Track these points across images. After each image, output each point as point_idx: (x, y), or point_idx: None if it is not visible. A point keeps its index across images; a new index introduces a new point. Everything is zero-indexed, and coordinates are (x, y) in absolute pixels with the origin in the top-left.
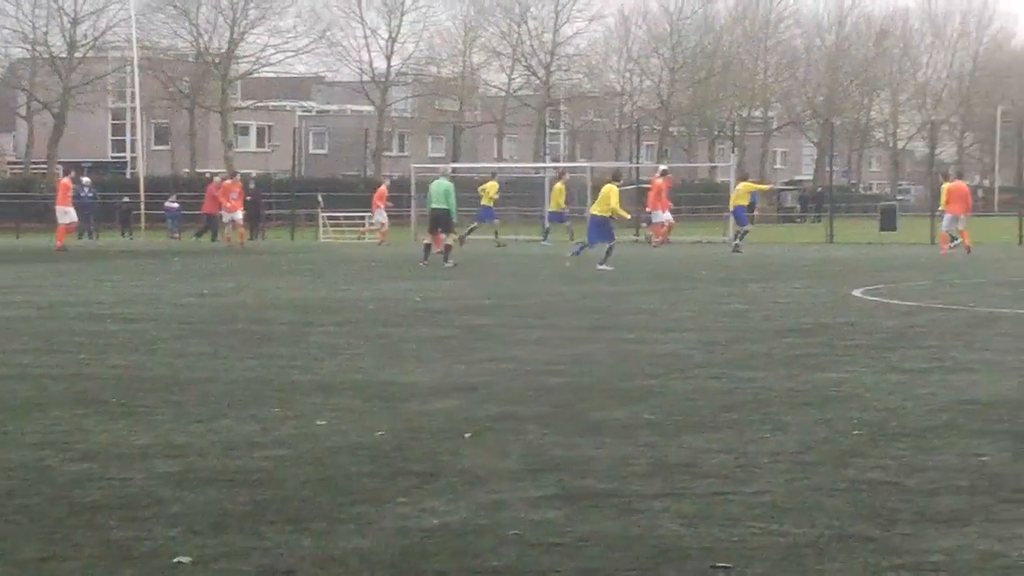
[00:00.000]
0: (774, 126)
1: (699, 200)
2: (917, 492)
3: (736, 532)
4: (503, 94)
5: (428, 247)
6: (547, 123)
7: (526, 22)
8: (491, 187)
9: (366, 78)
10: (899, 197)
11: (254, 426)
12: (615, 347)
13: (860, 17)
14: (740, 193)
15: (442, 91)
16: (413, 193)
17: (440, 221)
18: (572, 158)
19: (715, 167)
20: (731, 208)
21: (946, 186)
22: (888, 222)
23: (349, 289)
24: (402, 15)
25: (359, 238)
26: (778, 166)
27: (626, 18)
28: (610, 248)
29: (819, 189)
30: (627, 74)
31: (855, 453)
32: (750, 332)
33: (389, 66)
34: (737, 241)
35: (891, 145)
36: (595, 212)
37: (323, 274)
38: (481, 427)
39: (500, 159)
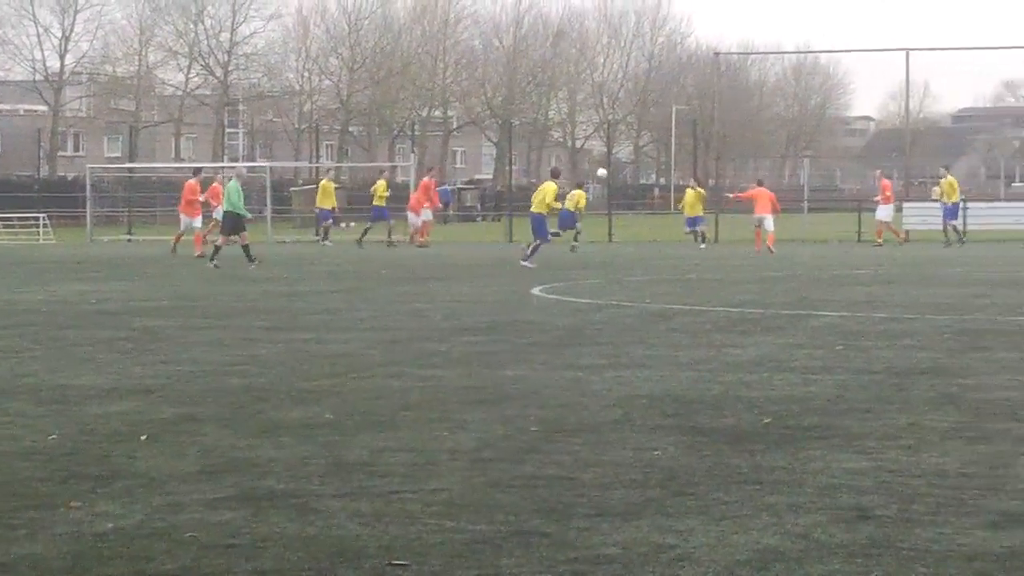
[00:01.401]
0: (454, 126)
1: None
2: (592, 487)
3: (414, 530)
4: (180, 93)
5: (244, 248)
6: (226, 122)
7: (203, 21)
8: (380, 187)
9: (39, 77)
10: None
11: None
12: (294, 347)
13: (537, 18)
14: (575, 198)
15: (118, 90)
16: (88, 193)
17: (230, 223)
18: (252, 157)
19: (396, 167)
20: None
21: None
22: (566, 221)
23: (22, 291)
24: (75, 13)
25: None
26: (458, 165)
27: (304, 18)
28: (537, 247)
29: (499, 188)
30: (306, 73)
31: (532, 449)
32: (430, 331)
33: (63, 65)
34: (575, 241)
35: (569, 144)
36: (535, 211)
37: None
38: (158, 429)
39: (178, 159)
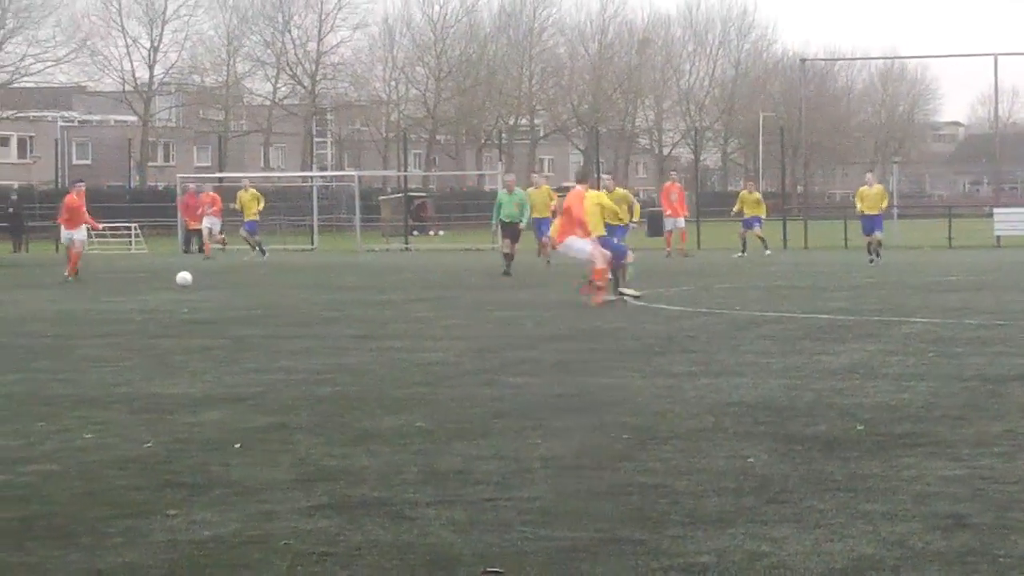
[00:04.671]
0: (540, 134)
1: (467, 208)
2: (685, 494)
3: (508, 537)
4: (268, 103)
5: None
6: (314, 132)
7: (290, 31)
8: (246, 197)
9: (128, 88)
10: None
11: (18, 441)
12: (384, 356)
13: (622, 25)
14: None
15: (206, 100)
16: (179, 203)
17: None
18: (340, 167)
19: (483, 175)
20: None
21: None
22: (655, 228)
23: (115, 301)
24: (163, 24)
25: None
26: (546, 173)
27: (390, 27)
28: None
29: None
30: (393, 83)
31: (624, 457)
32: (520, 338)
33: (152, 75)
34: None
35: (656, 151)
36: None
37: (88, 286)
38: (251, 438)
39: (267, 168)
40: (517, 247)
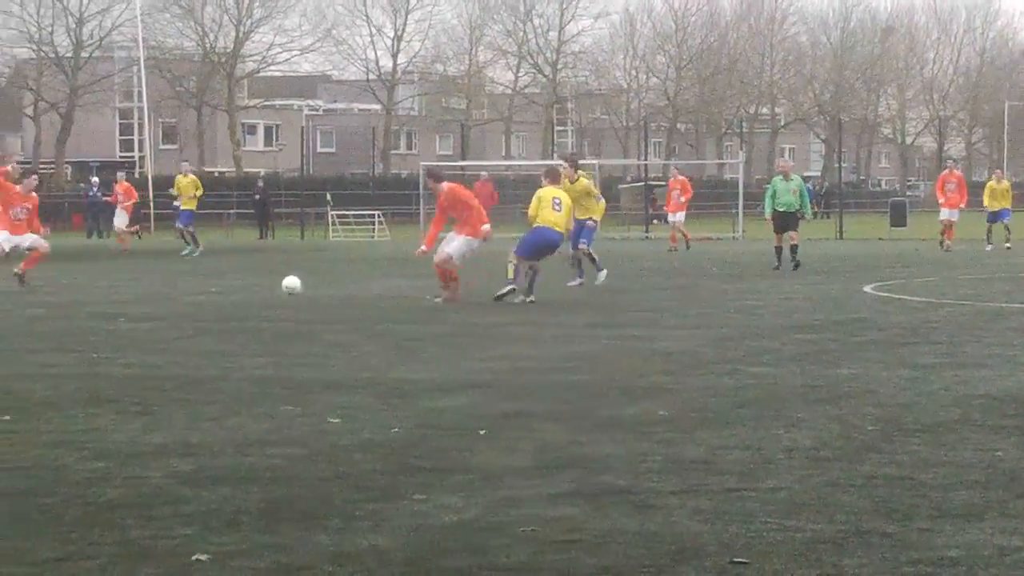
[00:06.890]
0: (781, 123)
1: (707, 197)
2: (932, 487)
3: (753, 528)
4: (510, 92)
5: (779, 250)
6: (554, 121)
7: (531, 20)
8: (184, 183)
9: (372, 76)
10: (908, 193)
11: (267, 424)
12: (626, 344)
13: (865, 13)
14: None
15: (449, 89)
16: (421, 191)
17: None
18: (580, 155)
19: (723, 164)
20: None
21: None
22: (898, 218)
23: (360, 287)
24: (407, 13)
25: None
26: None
27: (631, 16)
28: None
29: (827, 185)
30: (633, 72)
31: (870, 449)
32: (761, 328)
33: (395, 64)
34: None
35: (899, 141)
36: None
37: (333, 272)
38: (494, 424)
39: (508, 157)
40: (797, 236)
